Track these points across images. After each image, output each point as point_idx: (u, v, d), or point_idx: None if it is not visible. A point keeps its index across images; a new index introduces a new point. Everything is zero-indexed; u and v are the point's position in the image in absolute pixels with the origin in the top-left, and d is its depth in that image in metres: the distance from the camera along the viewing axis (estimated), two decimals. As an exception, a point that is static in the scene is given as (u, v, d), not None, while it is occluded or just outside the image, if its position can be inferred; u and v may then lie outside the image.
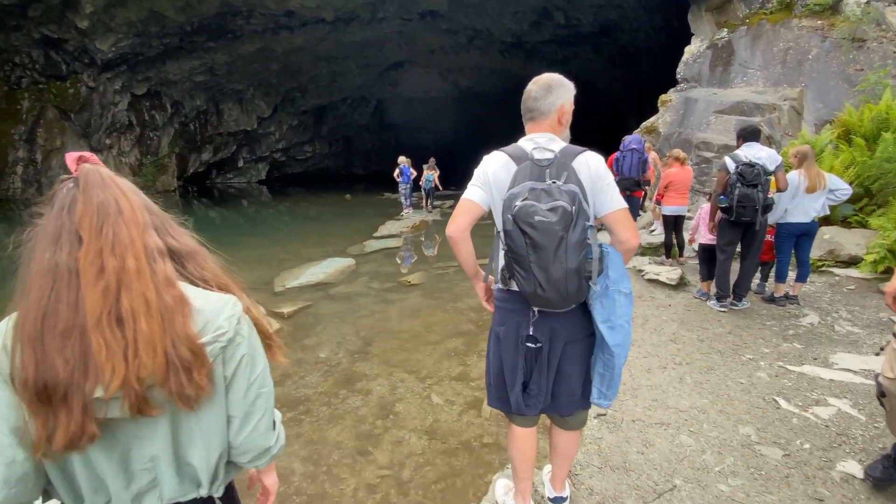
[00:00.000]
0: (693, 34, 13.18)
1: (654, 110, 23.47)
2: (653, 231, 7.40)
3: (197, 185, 24.66)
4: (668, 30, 20.16)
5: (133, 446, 0.84)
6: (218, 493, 0.96)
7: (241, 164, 28.65)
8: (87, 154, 0.90)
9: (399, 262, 7.36)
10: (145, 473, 0.86)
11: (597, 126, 33.60)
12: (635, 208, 6.65)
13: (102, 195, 0.82)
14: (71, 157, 0.89)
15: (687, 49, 12.57)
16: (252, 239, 10.00)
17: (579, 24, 20.62)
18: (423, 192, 14.03)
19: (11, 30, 15.03)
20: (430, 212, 13.98)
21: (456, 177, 14.84)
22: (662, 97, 11.14)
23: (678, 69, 12.30)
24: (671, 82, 20.55)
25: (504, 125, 37.62)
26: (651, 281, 5.57)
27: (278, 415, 1.05)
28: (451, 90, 30.38)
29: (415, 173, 12.90)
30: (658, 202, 7.39)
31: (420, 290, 5.54)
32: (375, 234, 9.60)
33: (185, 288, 0.87)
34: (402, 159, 12.45)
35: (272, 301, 5.11)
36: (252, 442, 0.94)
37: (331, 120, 31.30)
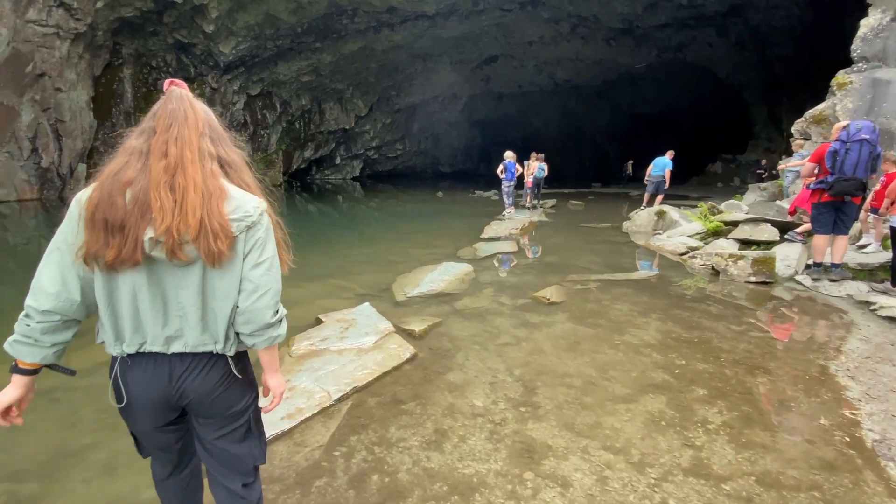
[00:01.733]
0: (870, 4, 10.57)
1: (792, 99, 20.05)
2: (864, 248, 5.68)
3: (299, 180, 25.70)
4: (815, 4, 16.99)
5: (170, 293, 1.12)
6: (230, 352, 1.19)
7: (338, 161, 29.50)
8: (178, 80, 1.22)
9: (497, 265, 6.41)
10: (177, 320, 1.13)
11: (710, 120, 29.94)
12: (851, 217, 5.04)
13: (175, 105, 1.15)
14: (167, 82, 1.22)
15: (864, 22, 10.07)
16: (355, 237, 9.63)
17: (704, 4, 18.09)
18: (526, 189, 12.97)
19: (149, 35, 16.29)
20: (532, 209, 12.87)
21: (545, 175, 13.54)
22: (839, 78, 8.96)
23: (853, 46, 9.88)
24: (816, 65, 17.55)
25: (599, 120, 35.11)
26: (890, 319, 4.04)
27: (284, 311, 1.25)
28: (546, 83, 28.76)
29: (520, 170, 11.86)
30: (874, 210, 5.65)
31: (565, 312, 4.52)
32: (483, 236, 8.72)
33: (227, 184, 1.18)
34: (508, 154, 11.46)
35: (396, 312, 4.39)
36: (255, 311, 1.16)
37: (421, 118, 31.19)
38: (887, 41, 9.50)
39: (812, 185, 5.43)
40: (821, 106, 9.65)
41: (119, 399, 1.16)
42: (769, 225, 6.46)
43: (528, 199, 13.16)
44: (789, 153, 18.01)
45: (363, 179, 31.22)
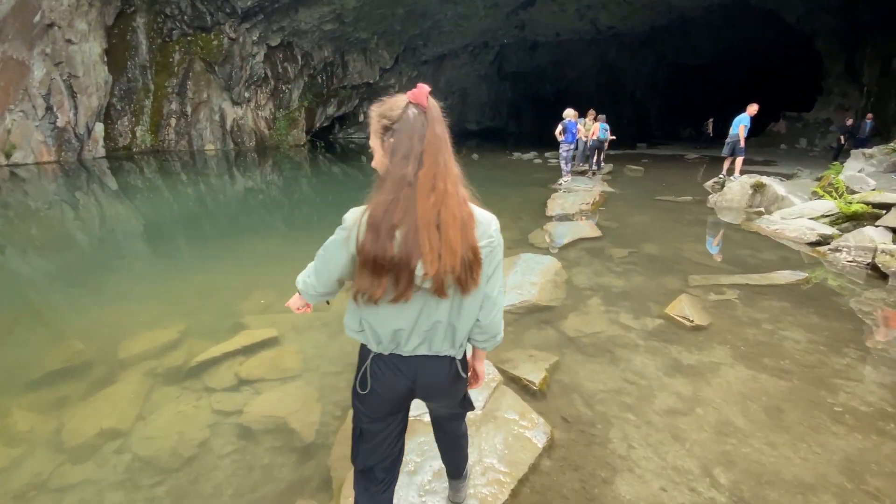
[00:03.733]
0: None
1: (883, 48, 17.35)
2: None
3: (323, 140, 24.18)
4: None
5: (424, 312, 1.18)
6: (459, 355, 1.30)
7: (361, 118, 27.70)
8: (426, 86, 1.13)
9: (588, 258, 5.10)
10: (425, 333, 1.20)
11: (772, 72, 26.69)
12: None
13: (440, 129, 1.11)
14: (425, 91, 1.11)
15: None
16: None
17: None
18: (583, 152, 11.40)
19: (160, -22, 14.58)
20: (593, 176, 11.33)
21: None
22: None
23: None
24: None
25: (641, 73, 32.03)
26: None
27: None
28: (588, 30, 25.93)
29: (583, 131, 10.22)
30: None
31: (722, 344, 3.25)
32: (549, 213, 7.35)
33: (471, 205, 1.18)
34: (569, 112, 9.78)
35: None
36: (493, 325, 1.28)
37: (449, 70, 28.82)
38: None
39: None
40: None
41: (363, 387, 1.27)
42: (941, 211, 4.94)
43: (593, 162, 11.60)
44: (866, 112, 15.68)
45: (387, 138, 29.53)
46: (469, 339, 1.31)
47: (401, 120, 1.09)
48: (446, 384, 1.29)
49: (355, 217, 1.12)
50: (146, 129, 16.89)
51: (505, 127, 34.26)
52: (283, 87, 20.42)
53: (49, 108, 13.34)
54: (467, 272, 1.11)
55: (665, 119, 31.34)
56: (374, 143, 1.16)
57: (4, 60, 12.26)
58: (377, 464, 1.36)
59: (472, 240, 1.12)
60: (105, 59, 14.52)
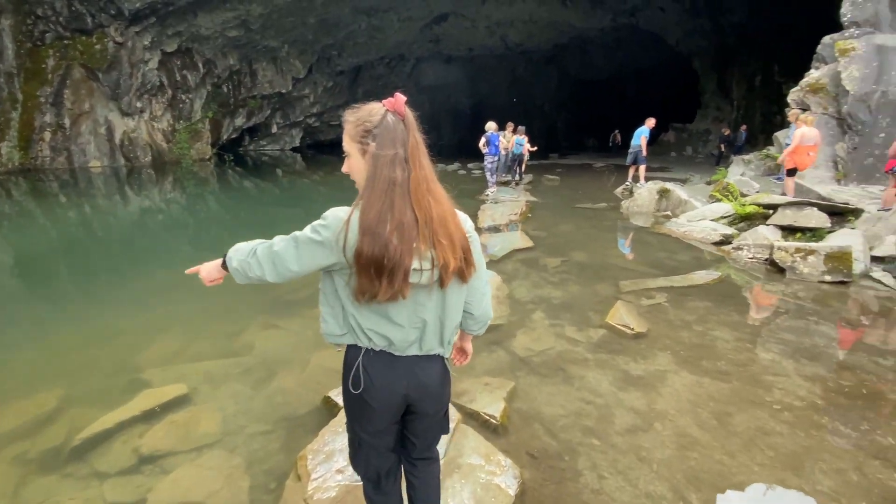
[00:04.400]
0: (856, -35, 9.97)
1: (747, 68, 19.88)
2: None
3: (231, 152, 22.38)
4: (772, -31, 16.55)
5: (416, 310, 1.19)
6: (447, 353, 1.33)
7: (274, 129, 26.22)
8: (402, 95, 1.17)
9: (524, 270, 5.12)
10: (416, 331, 1.22)
11: (659, 88, 29.74)
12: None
13: (417, 135, 1.16)
14: (402, 100, 1.16)
15: (853, -16, 9.46)
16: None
17: (666, -35, 17.12)
18: (505, 163, 11.69)
19: (23, -30, 12.57)
20: (516, 186, 11.63)
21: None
22: (841, 44, 8.27)
23: (843, 10, 9.26)
24: (771, 32, 17.39)
25: (547, 88, 34.06)
26: None
27: None
28: (497, 46, 27.02)
29: (504, 143, 10.44)
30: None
31: (664, 350, 3.30)
32: (481, 225, 7.30)
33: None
34: (490, 125, 9.94)
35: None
36: (485, 313, 1.37)
37: (366, 81, 28.35)
38: (878, 5, 8.92)
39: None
40: (816, 73, 9.02)
41: (356, 386, 1.24)
42: (816, 209, 5.64)
43: (504, 175, 11.93)
44: (738, 124, 18.06)
45: (303, 150, 28.20)
46: (463, 328, 1.41)
47: (381, 126, 1.12)
48: (438, 385, 1.30)
49: (340, 220, 1.11)
50: (13, 146, 14.37)
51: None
52: (183, 97, 18.60)
53: None
54: (464, 261, 1.18)
55: (571, 131, 33.60)
56: (351, 148, 1.16)
57: None
58: (379, 466, 1.40)
59: (463, 230, 1.21)
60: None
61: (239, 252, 1.24)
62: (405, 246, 1.09)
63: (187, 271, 1.39)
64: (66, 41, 14.81)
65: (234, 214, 9.73)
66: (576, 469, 2.17)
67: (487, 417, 2.45)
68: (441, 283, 1.17)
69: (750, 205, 6.31)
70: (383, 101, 1.17)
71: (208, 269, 1.32)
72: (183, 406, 2.63)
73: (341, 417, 2.37)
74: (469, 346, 1.55)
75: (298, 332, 3.58)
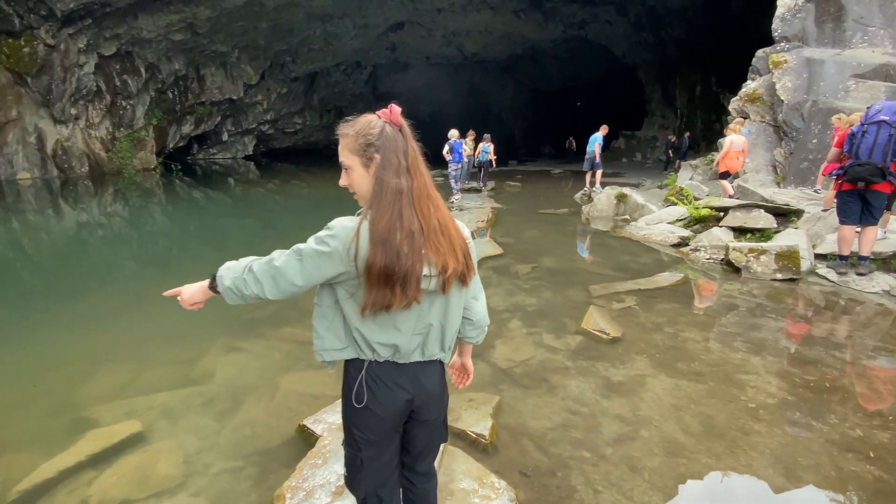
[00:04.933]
0: (783, -16, 10.80)
1: (688, 79, 21.03)
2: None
3: (179, 161, 21.16)
4: (709, -13, 17.68)
5: (422, 316, 1.19)
6: (447, 359, 1.34)
7: (225, 137, 25.13)
8: (395, 107, 1.17)
9: (496, 278, 5.10)
10: (419, 337, 1.21)
11: (609, 98, 31.07)
12: (879, 207, 4.54)
13: (414, 145, 1.18)
14: (398, 111, 1.16)
15: (781, 2, 10.23)
16: (270, 239, 7.52)
17: (612, -20, 17.94)
18: (468, 170, 11.76)
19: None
20: (481, 192, 11.69)
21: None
22: (774, 57, 8.91)
23: (774, 26, 10.02)
24: (708, 47, 18.63)
25: (504, 96, 34.72)
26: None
27: None
28: (454, 55, 27.30)
29: (467, 151, 10.46)
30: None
31: (640, 354, 3.33)
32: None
33: None
34: (452, 133, 9.93)
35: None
36: (482, 318, 1.39)
37: (322, 88, 27.80)
38: (805, 21, 9.70)
39: (833, 172, 4.95)
40: (753, 84, 9.67)
41: (359, 400, 1.22)
42: (763, 211, 5.98)
43: (467, 182, 11.98)
44: (682, 131, 19.15)
45: (257, 158, 27.17)
46: (461, 338, 1.43)
47: (382, 137, 1.13)
48: (439, 390, 1.32)
49: (349, 230, 1.10)
50: (-79, 155, 12.87)
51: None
52: (123, 103, 17.44)
53: None
54: (466, 265, 1.20)
55: (528, 138, 34.41)
56: (352, 160, 1.15)
57: None
58: (380, 486, 1.33)
59: (462, 235, 1.23)
60: None
61: (231, 270, 1.18)
62: (415, 253, 1.10)
63: (166, 293, 1.28)
64: (-12, 42, 13.53)
65: (183, 227, 9.14)
66: (570, 485, 2.11)
67: (476, 437, 2.35)
68: (444, 287, 1.18)
69: (703, 208, 6.61)
70: (378, 113, 1.16)
71: (192, 292, 1.24)
72: (137, 446, 2.35)
73: (319, 449, 2.19)
74: (470, 364, 1.53)
75: (265, 355, 3.33)
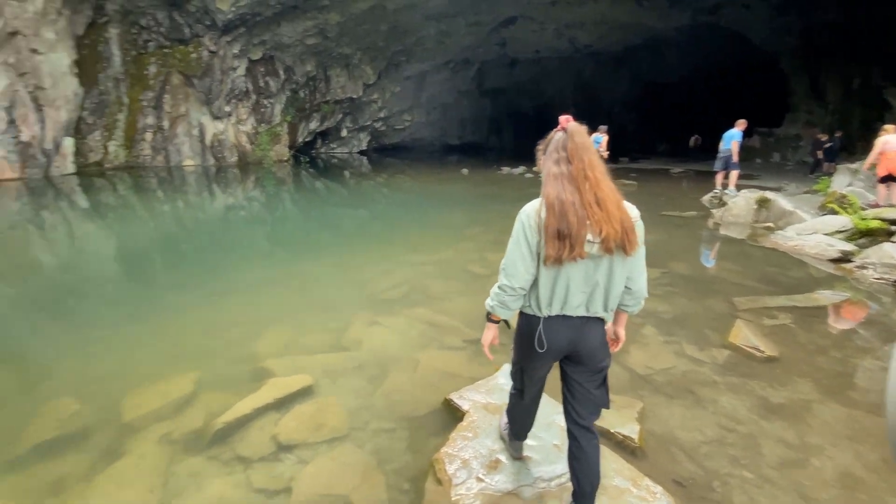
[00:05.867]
0: None
1: (843, 70, 17.96)
2: None
3: (306, 155, 23.47)
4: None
5: (588, 275, 1.52)
6: (609, 319, 1.64)
7: (344, 133, 27.23)
8: (570, 116, 1.60)
9: None
10: (585, 294, 1.54)
11: (740, 91, 27.71)
12: None
13: (579, 139, 1.52)
14: (564, 118, 1.59)
15: None
16: (399, 232, 7.94)
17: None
18: None
19: (137, -12, 13.89)
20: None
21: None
22: None
23: None
24: (871, 33, 15.83)
25: (615, 90, 32.75)
26: None
27: None
28: (566, 48, 26.38)
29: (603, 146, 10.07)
30: None
31: (802, 377, 2.97)
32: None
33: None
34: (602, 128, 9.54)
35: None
36: (642, 289, 1.63)
37: (430, 86, 28.70)
38: None
39: None
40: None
41: (541, 346, 1.59)
42: (962, 226, 4.90)
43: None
44: (833, 129, 16.28)
45: (369, 153, 29.04)
46: (619, 305, 1.65)
47: (550, 141, 1.61)
48: (599, 343, 1.62)
49: (534, 206, 1.54)
50: (120, 144, 15.93)
51: (485, 142, 34.32)
52: (265, 102, 19.78)
53: (12, 122, 12.35)
54: (625, 236, 1.46)
55: (641, 134, 32.08)
56: (539, 156, 1.66)
57: (-38, 70, 11.33)
58: (530, 388, 1.83)
59: (625, 212, 1.50)
60: (75, 70, 13.62)
61: (489, 299, 1.65)
62: (578, 220, 1.44)
63: (484, 341, 1.76)
64: (166, 50, 16.25)
65: (307, 214, 10.16)
66: (732, 503, 1.97)
67: (624, 438, 2.30)
68: (607, 251, 1.47)
69: (873, 219, 5.62)
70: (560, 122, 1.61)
71: (486, 336, 1.73)
72: (308, 397, 2.70)
73: (468, 423, 2.32)
74: (622, 332, 1.78)
75: (402, 332, 3.59)
